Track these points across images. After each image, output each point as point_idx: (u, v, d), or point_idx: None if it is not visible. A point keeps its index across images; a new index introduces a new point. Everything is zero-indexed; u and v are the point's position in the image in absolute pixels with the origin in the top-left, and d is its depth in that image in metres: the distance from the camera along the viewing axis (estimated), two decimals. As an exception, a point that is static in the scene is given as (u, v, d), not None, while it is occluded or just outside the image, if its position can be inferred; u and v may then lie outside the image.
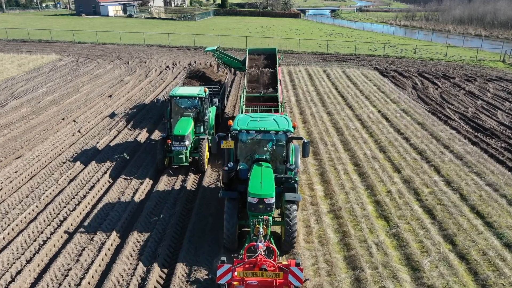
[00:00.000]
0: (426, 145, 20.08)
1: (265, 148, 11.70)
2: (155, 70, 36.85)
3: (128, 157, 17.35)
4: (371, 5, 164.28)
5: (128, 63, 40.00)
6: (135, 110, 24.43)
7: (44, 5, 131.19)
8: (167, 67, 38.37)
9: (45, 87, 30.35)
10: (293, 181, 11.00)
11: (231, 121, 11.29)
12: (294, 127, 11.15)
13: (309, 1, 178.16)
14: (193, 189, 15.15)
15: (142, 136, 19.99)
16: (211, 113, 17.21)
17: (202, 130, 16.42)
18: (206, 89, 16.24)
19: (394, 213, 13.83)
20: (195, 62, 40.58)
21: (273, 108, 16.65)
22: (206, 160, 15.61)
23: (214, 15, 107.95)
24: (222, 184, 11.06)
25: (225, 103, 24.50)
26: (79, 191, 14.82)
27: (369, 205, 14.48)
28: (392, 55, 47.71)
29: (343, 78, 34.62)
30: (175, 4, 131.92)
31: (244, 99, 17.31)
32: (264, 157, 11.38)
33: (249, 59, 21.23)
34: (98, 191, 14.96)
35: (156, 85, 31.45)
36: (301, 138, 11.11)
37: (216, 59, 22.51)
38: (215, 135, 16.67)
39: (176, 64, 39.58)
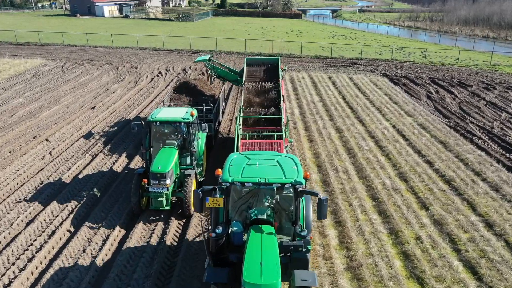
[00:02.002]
0: (453, 171, 17.19)
1: (266, 203, 8.80)
2: (146, 77, 33.94)
3: (99, 194, 14.42)
4: (373, 5, 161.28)
5: (117, 68, 37.09)
6: (116, 128, 21.48)
7: (40, 5, 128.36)
8: (160, 73, 35.46)
9: (22, 97, 27.45)
10: (304, 250, 8.11)
11: (219, 170, 8.36)
12: (306, 178, 8.25)
13: (310, 1, 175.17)
14: (175, 240, 12.20)
15: (120, 163, 17.03)
16: (200, 140, 14.27)
17: (188, 161, 13.47)
18: (194, 112, 13.31)
19: (428, 272, 10.94)
20: (189, 67, 37.68)
21: (275, 134, 13.78)
22: (193, 201, 12.68)
23: (213, 16, 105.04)
24: (208, 255, 8.14)
25: (220, 118, 21.58)
26: (35, 239, 11.94)
27: (396, 259, 11.59)
28: (400, 59, 44.83)
29: (350, 86, 31.73)
30: (173, 4, 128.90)
31: (241, 122, 14.39)
32: (265, 216, 8.47)
33: (247, 71, 18.26)
34: (60, 238, 12.07)
35: (145, 95, 28.54)
36: (316, 194, 8.16)
37: (209, 71, 19.56)
38: (203, 174, 13.81)
39: (169, 70, 36.66)
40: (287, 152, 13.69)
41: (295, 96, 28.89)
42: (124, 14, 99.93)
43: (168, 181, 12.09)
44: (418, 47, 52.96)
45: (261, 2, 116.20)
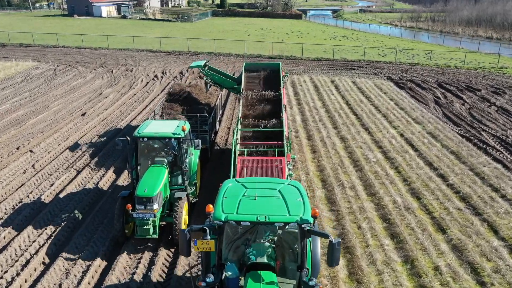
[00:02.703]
0: (469, 186, 15.84)
1: (267, 241, 7.46)
2: (141, 81, 32.59)
3: (80, 217, 13.07)
4: (374, 6, 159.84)
5: (112, 71, 35.73)
6: (105, 138, 20.12)
7: (38, 5, 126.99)
8: (155, 76, 34.11)
9: (10, 102, 26.11)
10: None
11: (210, 206, 7.01)
12: (314, 217, 6.90)
13: (310, 1, 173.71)
14: (164, 272, 10.83)
15: (107, 179, 15.66)
16: (193, 156, 12.91)
17: (180, 181, 12.10)
18: (186, 126, 11.96)
19: (452, 312, 9.61)
20: (187, 70, 36.33)
21: (277, 149, 12.43)
22: (184, 227, 11.29)
23: (212, 16, 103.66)
24: None
25: (217, 127, 20.22)
26: (7, 270, 10.60)
27: (414, 294, 10.26)
28: (404, 61, 43.47)
29: (354, 91, 30.37)
30: (172, 5, 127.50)
31: (238, 136, 13.03)
32: (266, 259, 7.13)
33: (245, 78, 16.86)
34: (35, 269, 10.73)
35: (139, 100, 27.19)
36: (326, 236, 6.77)
37: (204, 78, 18.13)
38: (196, 194, 12.37)
39: (165, 73, 35.31)
40: (289, 169, 12.36)
41: (297, 101, 27.54)
42: (122, 14, 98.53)
43: (155, 206, 10.74)
44: (422, 49, 51.63)
45: (261, 3, 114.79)
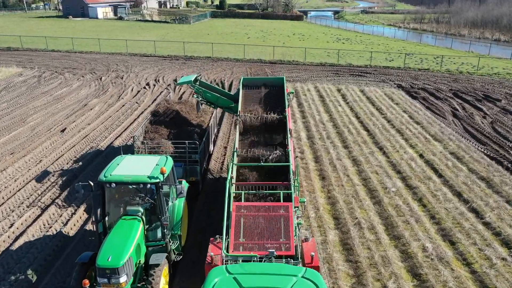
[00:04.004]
0: (510, 226, 13.30)
1: None
2: (132, 89, 30.04)
3: (34, 278, 10.47)
4: (375, 7, 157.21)
5: (101, 79, 33.16)
6: (81, 163, 17.51)
7: (34, 6, 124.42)
8: (147, 84, 31.56)
9: (-17, 116, 23.58)
10: None
11: None
12: None
13: (310, 2, 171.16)
14: None
15: (76, 220, 13.04)
16: (177, 201, 10.36)
17: (159, 235, 9.55)
18: (166, 167, 9.42)
19: None
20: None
21: (282, 192, 9.90)
22: None
23: (211, 17, 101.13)
24: None
25: (212, 149, 17.63)
26: None
27: None
28: (413, 66, 40.91)
29: (363, 101, 27.82)
30: (171, 6, 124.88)
31: (234, 172, 10.45)
32: None
33: (243, 96, 14.23)
34: None
35: (127, 113, 24.64)
36: None
37: (195, 96, 15.42)
38: (181, 248, 9.69)
39: (158, 81, 32.75)
40: (298, 218, 9.81)
41: (301, 114, 24.98)
42: (118, 15, 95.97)
43: (122, 279, 8.19)
44: (430, 53, 49.12)
45: (261, 3, 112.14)
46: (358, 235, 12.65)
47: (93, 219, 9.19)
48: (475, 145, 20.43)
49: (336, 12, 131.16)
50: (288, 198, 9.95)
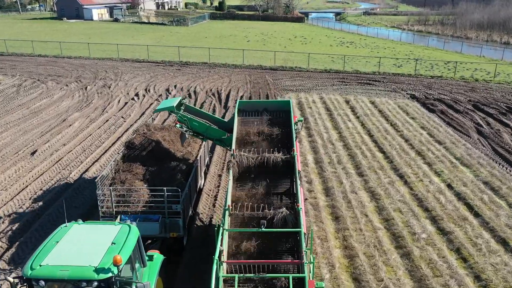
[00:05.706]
0: None
1: None
2: (119, 101, 27.20)
3: None
4: (378, 8, 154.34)
5: (86, 88, 30.31)
6: (47, 198, 14.56)
7: (29, 7, 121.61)
8: (136, 95, 28.72)
9: None
10: None
11: None
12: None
13: (311, 3, 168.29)
14: None
15: None
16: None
17: None
18: (120, 257, 6.57)
19: None
20: (175, 86, 30.94)
21: (291, 276, 6.98)
22: None
23: (210, 19, 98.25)
24: None
25: (202, 184, 14.72)
26: None
27: None
28: (424, 73, 38.07)
29: (374, 115, 24.96)
30: (169, 7, 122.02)
31: (225, 244, 7.55)
32: None
33: (239, 126, 11.11)
34: None
35: (110, 130, 21.82)
36: None
37: (178, 125, 12.34)
38: None
39: (149, 91, 29.90)
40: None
41: (307, 131, 22.13)
42: (114, 17, 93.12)
43: None
44: (440, 58, 46.34)
45: (262, 5, 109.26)
46: (387, 309, 9.82)
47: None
48: (510, 171, 17.59)
49: (337, 14, 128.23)
50: (300, 283, 7.08)
